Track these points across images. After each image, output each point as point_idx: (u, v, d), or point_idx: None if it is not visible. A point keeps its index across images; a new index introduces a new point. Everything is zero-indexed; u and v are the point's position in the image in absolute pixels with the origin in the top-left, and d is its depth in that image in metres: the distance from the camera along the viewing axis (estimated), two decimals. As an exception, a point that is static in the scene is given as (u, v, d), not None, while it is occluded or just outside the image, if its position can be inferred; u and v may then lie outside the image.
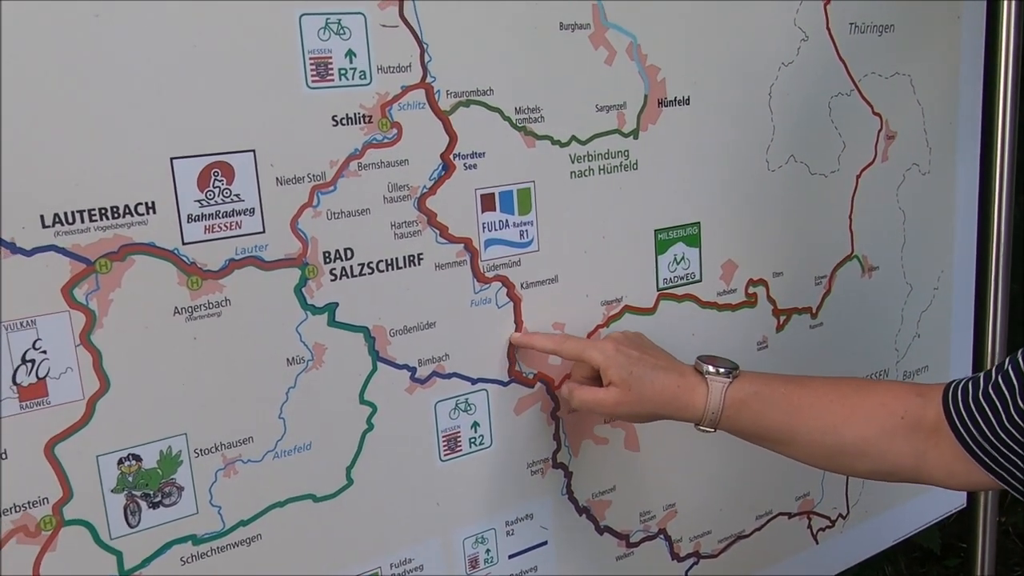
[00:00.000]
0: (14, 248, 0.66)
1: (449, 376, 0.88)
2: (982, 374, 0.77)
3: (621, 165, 0.95)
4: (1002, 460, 0.74)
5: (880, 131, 1.18)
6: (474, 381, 0.90)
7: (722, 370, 0.85)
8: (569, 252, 0.94)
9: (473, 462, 0.91)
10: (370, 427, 0.84)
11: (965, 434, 0.76)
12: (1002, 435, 0.73)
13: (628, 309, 0.99)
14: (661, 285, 1.01)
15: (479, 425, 0.91)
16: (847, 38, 1.12)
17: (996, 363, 0.76)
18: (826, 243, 1.16)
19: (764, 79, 1.05)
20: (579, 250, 0.94)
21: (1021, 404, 0.71)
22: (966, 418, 0.76)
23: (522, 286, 0.91)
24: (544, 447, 0.96)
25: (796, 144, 1.09)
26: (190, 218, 0.72)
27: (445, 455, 0.89)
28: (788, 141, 1.08)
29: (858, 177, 1.17)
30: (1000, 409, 0.73)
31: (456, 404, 0.89)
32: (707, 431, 0.86)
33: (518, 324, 0.91)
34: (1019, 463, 0.73)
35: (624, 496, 1.02)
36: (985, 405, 0.74)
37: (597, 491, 1.00)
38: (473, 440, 0.91)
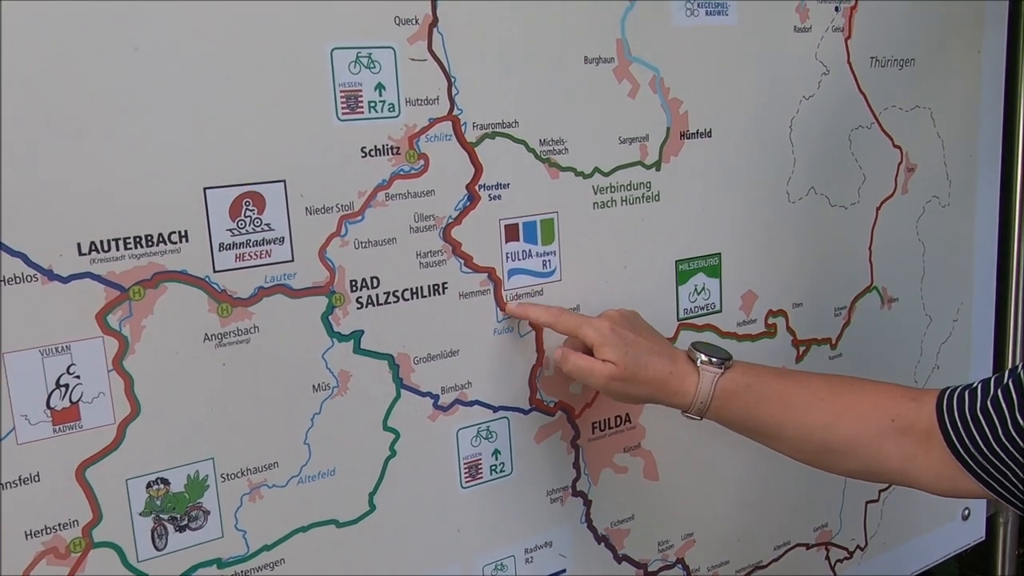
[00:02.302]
0: (51, 275, 0.68)
1: (471, 404, 0.89)
2: (979, 385, 0.76)
3: (643, 196, 0.96)
4: (993, 472, 0.74)
5: (900, 163, 1.19)
6: (496, 409, 0.91)
7: (714, 359, 0.84)
8: (591, 282, 0.95)
9: (494, 489, 0.92)
10: (393, 453, 0.85)
11: (958, 444, 0.75)
12: (997, 449, 0.73)
13: (649, 339, 1.00)
14: (682, 315, 1.02)
15: (500, 453, 0.91)
16: (868, 72, 1.13)
17: (996, 375, 0.76)
18: (846, 274, 1.17)
19: (785, 112, 1.06)
20: (601, 280, 0.95)
21: (1021, 420, 0.71)
22: (960, 429, 0.75)
23: (544, 315, 0.92)
24: (564, 475, 0.96)
25: (816, 176, 1.10)
26: (221, 247, 0.74)
27: (466, 482, 0.90)
28: (808, 173, 1.09)
29: (878, 209, 1.18)
30: (997, 424, 0.72)
31: (478, 431, 0.90)
32: (694, 419, 0.85)
33: (540, 353, 0.92)
34: (1010, 475, 0.73)
35: (643, 525, 1.03)
36: (982, 418, 0.74)
37: (616, 520, 1.01)
38: (494, 467, 0.91)
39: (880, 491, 1.26)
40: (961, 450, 0.75)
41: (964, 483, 0.76)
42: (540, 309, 0.89)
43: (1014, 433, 0.71)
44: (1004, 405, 0.72)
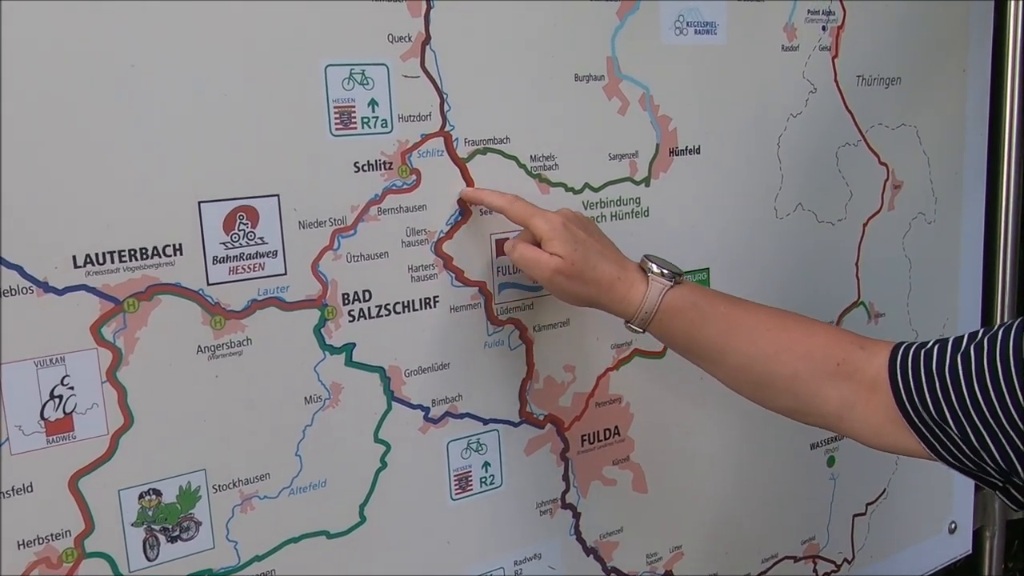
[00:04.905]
0: (47, 287, 0.68)
1: (462, 416, 0.90)
2: (936, 345, 0.75)
3: (632, 212, 0.98)
4: (939, 433, 0.73)
5: (887, 180, 1.20)
6: (486, 421, 0.91)
7: (666, 272, 0.82)
8: (581, 296, 0.96)
9: (484, 501, 0.92)
10: (384, 465, 0.85)
11: (906, 401, 0.74)
12: (946, 413, 0.72)
13: (638, 352, 1.01)
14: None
15: (490, 465, 0.92)
16: (855, 90, 1.14)
17: (953, 338, 0.74)
18: (833, 289, 1.18)
19: (773, 129, 1.08)
20: (590, 294, 0.96)
21: (977, 389, 0.70)
22: (912, 387, 0.74)
23: (534, 329, 0.93)
24: (553, 488, 0.97)
25: (804, 193, 1.12)
26: (215, 260, 0.75)
27: (456, 494, 0.91)
28: (796, 190, 1.11)
29: (865, 225, 1.19)
30: (951, 389, 0.71)
31: (468, 444, 0.91)
32: (636, 331, 0.83)
33: (530, 366, 0.93)
34: (958, 440, 0.72)
35: (631, 537, 1.03)
36: (936, 380, 0.72)
37: (605, 532, 1.01)
38: (484, 480, 0.92)
39: (867, 504, 1.28)
40: (909, 407, 0.74)
41: (903, 440, 0.75)
42: (495, 194, 0.86)
43: (968, 401, 0.70)
44: (961, 370, 0.71)
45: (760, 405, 0.85)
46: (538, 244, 0.82)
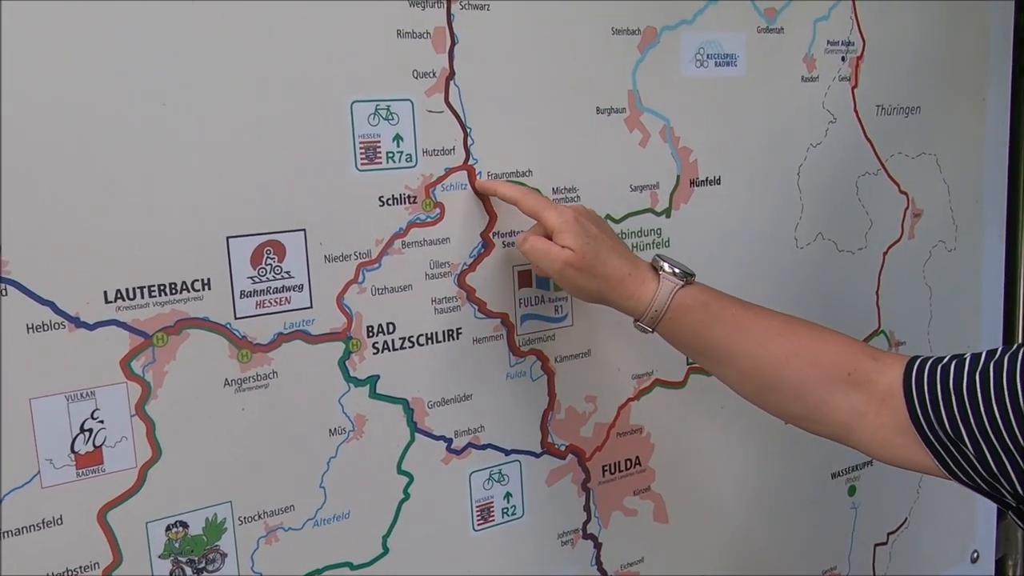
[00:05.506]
0: (78, 322, 0.69)
1: (484, 447, 0.90)
2: (953, 362, 0.73)
3: (653, 243, 0.98)
4: (954, 451, 0.72)
5: (907, 209, 1.20)
6: (508, 452, 0.92)
7: (677, 271, 0.82)
8: (602, 326, 0.96)
9: (505, 532, 0.93)
10: (407, 496, 0.86)
11: (921, 416, 0.73)
12: (963, 432, 0.71)
13: (659, 383, 1.01)
14: (690, 359, 1.03)
15: (512, 496, 0.93)
16: (874, 119, 1.15)
17: (971, 354, 0.73)
18: (853, 318, 1.18)
19: (793, 160, 1.08)
20: (612, 324, 0.96)
21: (996, 410, 0.69)
22: (928, 404, 0.73)
23: (556, 360, 0.94)
24: (575, 518, 0.97)
25: (824, 222, 1.12)
26: (242, 294, 0.76)
27: (478, 525, 0.91)
28: (816, 219, 1.11)
29: (885, 254, 1.19)
30: (968, 408, 0.70)
31: (490, 475, 0.91)
32: (646, 330, 0.83)
33: (551, 397, 0.94)
34: (972, 459, 0.71)
35: (652, 568, 1.03)
36: (954, 398, 0.71)
37: (626, 562, 1.01)
38: (506, 510, 0.92)
39: (889, 533, 1.27)
40: (923, 422, 0.73)
41: (914, 454, 0.74)
42: (508, 186, 0.86)
43: (986, 422, 0.69)
44: (979, 389, 0.70)
45: (767, 411, 0.84)
46: (550, 237, 0.82)
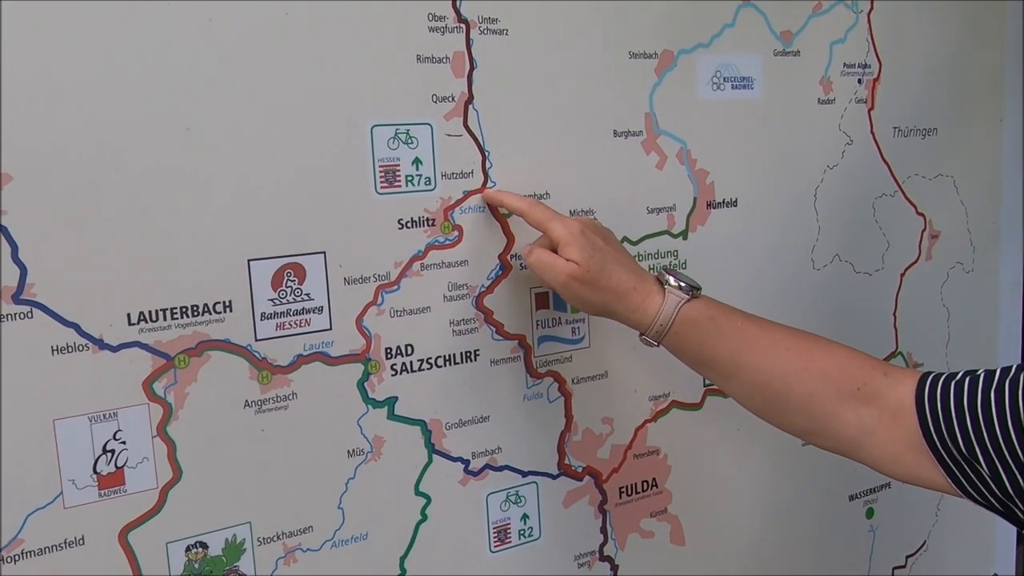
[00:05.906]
0: (102, 344, 0.70)
1: (501, 469, 0.90)
2: (967, 379, 0.72)
3: (670, 264, 0.98)
4: (968, 471, 0.71)
5: (924, 230, 1.20)
6: (525, 474, 0.92)
7: (683, 285, 0.81)
8: (619, 348, 0.96)
9: (522, 554, 0.93)
10: (424, 518, 0.86)
11: (935, 434, 0.72)
12: (977, 451, 0.70)
13: (675, 404, 1.01)
14: (708, 381, 1.03)
15: (528, 517, 0.93)
16: (891, 141, 1.15)
17: (985, 371, 0.71)
18: (870, 340, 1.18)
19: (810, 181, 1.08)
20: (629, 346, 0.97)
21: (1012, 430, 0.68)
22: (941, 421, 0.72)
23: (573, 381, 0.94)
24: (591, 540, 0.97)
25: (841, 243, 1.12)
26: (263, 316, 0.76)
27: (495, 547, 0.91)
28: (833, 240, 1.11)
29: (902, 275, 1.19)
30: (984, 428, 0.69)
31: (507, 496, 0.91)
32: (651, 344, 0.82)
33: (568, 418, 0.94)
34: (986, 478, 0.70)
35: (669, 590, 1.03)
36: (968, 417, 0.70)
37: (643, 585, 1.01)
38: (523, 532, 0.92)
39: (907, 556, 1.26)
40: (936, 440, 0.72)
41: (925, 471, 0.74)
42: (515, 197, 0.86)
43: (1002, 442, 0.68)
44: (995, 408, 0.69)
45: (774, 425, 0.83)
46: (555, 250, 0.82)
